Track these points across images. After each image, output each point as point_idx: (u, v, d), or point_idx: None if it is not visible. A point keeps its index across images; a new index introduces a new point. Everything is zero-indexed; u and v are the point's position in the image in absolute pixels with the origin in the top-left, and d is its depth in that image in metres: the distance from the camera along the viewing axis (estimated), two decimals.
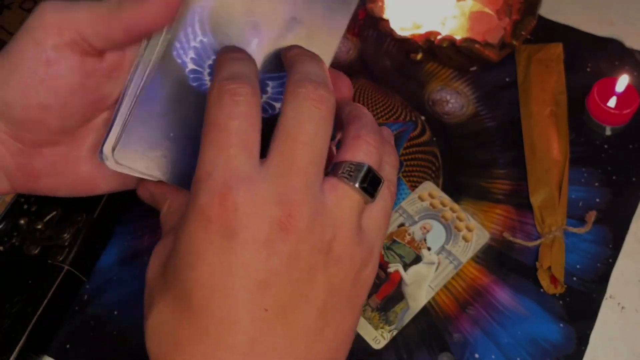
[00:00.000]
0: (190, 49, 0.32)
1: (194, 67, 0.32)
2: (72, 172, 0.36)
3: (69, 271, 0.47)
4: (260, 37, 0.33)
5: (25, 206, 0.48)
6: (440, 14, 0.59)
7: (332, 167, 0.30)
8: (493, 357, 0.46)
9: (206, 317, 0.27)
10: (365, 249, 0.30)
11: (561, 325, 0.47)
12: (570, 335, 0.47)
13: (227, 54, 0.31)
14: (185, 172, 0.32)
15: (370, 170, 0.30)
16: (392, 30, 0.57)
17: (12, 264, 0.46)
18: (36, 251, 0.47)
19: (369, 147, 0.31)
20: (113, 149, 0.32)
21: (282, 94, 0.31)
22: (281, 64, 0.33)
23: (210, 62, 0.32)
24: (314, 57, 0.32)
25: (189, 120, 0.32)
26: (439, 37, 0.56)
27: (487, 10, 0.59)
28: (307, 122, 0.28)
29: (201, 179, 0.28)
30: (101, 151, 0.32)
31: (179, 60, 0.32)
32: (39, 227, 0.47)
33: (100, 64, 0.32)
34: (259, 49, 0.33)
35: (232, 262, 0.27)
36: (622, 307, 0.48)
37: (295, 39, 0.33)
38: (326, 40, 0.34)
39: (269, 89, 0.34)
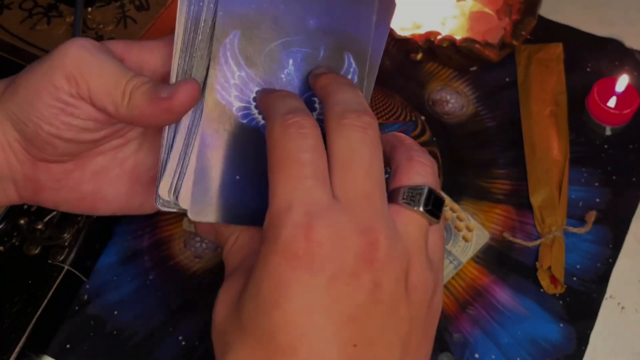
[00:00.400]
0: (231, 87, 0.32)
1: (241, 104, 0.32)
2: (74, 190, 0.36)
3: (69, 271, 0.47)
4: (294, 56, 0.32)
5: (25, 206, 0.48)
6: (440, 14, 0.59)
7: (390, 194, 0.29)
8: (493, 357, 0.46)
9: (296, 357, 0.26)
10: (434, 274, 0.29)
11: (561, 325, 0.47)
12: (570, 335, 0.47)
13: (273, 93, 0.31)
14: (247, 211, 0.32)
15: (431, 191, 0.29)
16: (392, 30, 0.57)
17: (12, 264, 0.46)
18: (36, 251, 0.47)
19: (424, 168, 0.30)
20: (176, 196, 0.32)
21: None
22: None
23: (253, 95, 0.32)
24: (345, 84, 0.31)
25: (248, 158, 0.32)
26: (439, 37, 0.56)
27: (487, 10, 0.59)
28: (361, 149, 0.28)
29: (280, 213, 0.27)
30: (158, 197, 0.32)
31: (224, 102, 0.32)
32: (39, 227, 0.47)
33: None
34: (297, 68, 0.33)
35: (322, 298, 0.26)
36: (622, 307, 0.48)
37: (327, 50, 0.33)
38: (359, 49, 0.33)
39: (316, 106, 0.33)
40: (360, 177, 0.28)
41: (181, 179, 0.31)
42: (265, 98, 0.31)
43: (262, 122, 0.32)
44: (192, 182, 0.31)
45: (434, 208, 0.29)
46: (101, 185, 0.37)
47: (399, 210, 0.29)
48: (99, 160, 0.36)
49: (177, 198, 0.31)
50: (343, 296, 0.26)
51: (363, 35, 0.33)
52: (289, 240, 0.26)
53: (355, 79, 0.34)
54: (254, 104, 0.32)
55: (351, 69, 0.34)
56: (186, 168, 0.31)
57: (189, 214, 0.31)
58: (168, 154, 0.32)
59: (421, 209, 0.29)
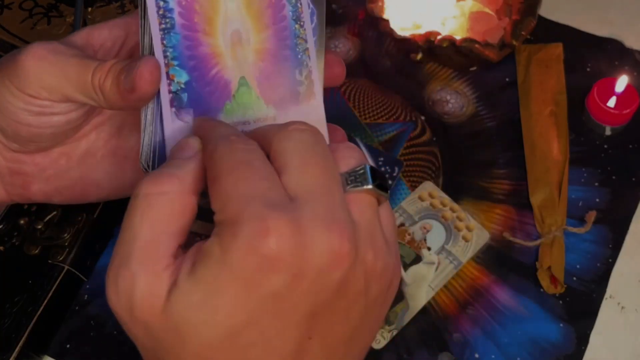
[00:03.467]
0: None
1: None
2: (62, 178, 0.36)
3: (69, 271, 0.47)
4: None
5: (25, 206, 0.48)
6: (440, 14, 0.59)
7: None
8: (493, 357, 0.46)
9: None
10: (393, 258, 0.29)
11: (561, 325, 0.47)
12: (570, 335, 0.47)
13: (212, 120, 0.31)
14: None
15: (371, 167, 0.28)
16: (392, 30, 0.57)
17: (12, 264, 0.46)
18: (36, 251, 0.47)
19: (352, 152, 0.29)
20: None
21: None
22: None
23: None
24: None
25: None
26: (439, 37, 0.56)
27: (487, 10, 0.59)
28: (314, 146, 0.28)
29: (239, 212, 0.25)
30: (142, 167, 0.32)
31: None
32: (39, 227, 0.47)
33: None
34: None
35: (287, 296, 0.25)
36: (622, 307, 0.48)
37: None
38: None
39: None
40: (319, 172, 0.27)
41: (153, 148, 0.32)
42: (205, 125, 0.31)
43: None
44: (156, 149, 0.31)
45: (381, 182, 0.28)
46: (89, 168, 0.37)
47: (349, 197, 0.28)
48: (82, 143, 0.36)
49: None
50: (309, 294, 0.25)
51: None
52: (252, 237, 0.24)
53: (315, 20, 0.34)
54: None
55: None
56: (158, 137, 0.32)
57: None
58: (144, 128, 0.32)
59: (370, 186, 0.28)
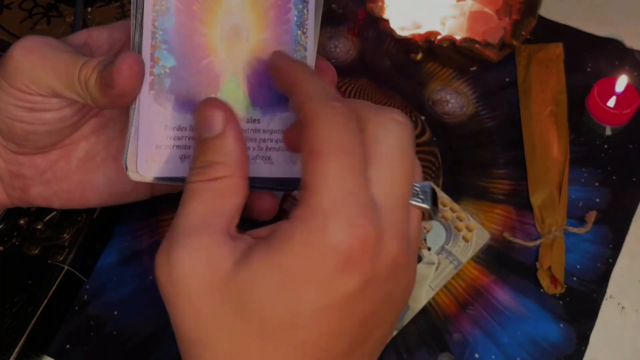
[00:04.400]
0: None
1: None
2: (62, 181, 0.36)
3: (68, 271, 0.47)
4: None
5: None
6: (440, 14, 0.59)
7: None
8: (493, 357, 0.46)
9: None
10: (414, 261, 0.30)
11: (561, 325, 0.47)
12: (570, 335, 0.47)
13: (300, 67, 0.30)
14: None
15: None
16: (392, 30, 0.57)
17: (12, 264, 0.46)
18: (36, 251, 0.47)
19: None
20: (136, 165, 0.31)
21: None
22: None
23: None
24: (308, 71, 0.29)
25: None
26: (439, 37, 0.56)
27: (487, 10, 0.59)
28: (409, 150, 0.27)
29: (334, 204, 0.25)
30: (125, 166, 0.31)
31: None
32: (39, 227, 0.47)
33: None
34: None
35: (350, 302, 0.26)
36: (623, 308, 0.48)
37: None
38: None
39: None
40: (404, 182, 0.27)
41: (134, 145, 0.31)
42: (293, 73, 0.29)
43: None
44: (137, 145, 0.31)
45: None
46: (89, 172, 0.36)
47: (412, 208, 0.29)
48: (82, 145, 0.36)
49: (136, 167, 0.31)
50: (370, 301, 0.26)
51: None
52: (341, 238, 0.25)
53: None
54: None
55: None
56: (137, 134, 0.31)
57: (129, 174, 0.31)
58: (130, 125, 0.31)
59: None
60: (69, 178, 0.36)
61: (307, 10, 0.33)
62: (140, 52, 0.31)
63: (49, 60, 0.31)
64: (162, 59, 0.31)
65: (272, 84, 0.31)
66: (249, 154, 0.31)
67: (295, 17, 0.32)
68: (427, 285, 0.48)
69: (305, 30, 0.33)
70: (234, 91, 0.32)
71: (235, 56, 0.32)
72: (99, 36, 0.34)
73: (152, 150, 0.31)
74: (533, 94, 0.56)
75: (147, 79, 0.31)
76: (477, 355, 0.46)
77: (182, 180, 0.30)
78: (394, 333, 0.47)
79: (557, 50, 0.58)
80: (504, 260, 0.50)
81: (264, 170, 0.33)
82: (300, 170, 0.26)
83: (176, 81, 0.31)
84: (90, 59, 0.31)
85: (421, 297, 0.48)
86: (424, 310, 0.48)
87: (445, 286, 0.49)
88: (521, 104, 0.56)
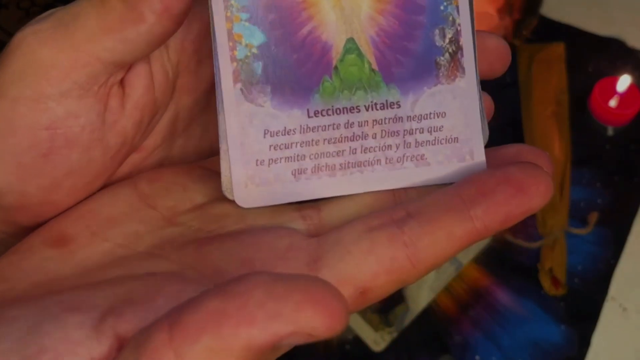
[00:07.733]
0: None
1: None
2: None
3: None
4: None
5: None
6: None
7: None
8: (494, 359, 0.46)
9: None
10: None
11: (562, 327, 0.47)
12: (571, 337, 0.47)
13: None
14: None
15: None
16: None
17: None
18: None
19: None
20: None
21: None
22: None
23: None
24: None
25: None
26: None
27: (488, 9, 0.59)
28: None
29: None
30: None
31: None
32: None
33: (125, 99, 0.21)
34: None
35: None
36: (624, 309, 0.48)
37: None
38: None
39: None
40: None
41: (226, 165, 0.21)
42: None
43: None
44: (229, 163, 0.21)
45: None
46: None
47: None
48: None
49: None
50: None
51: None
52: None
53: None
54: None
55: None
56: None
57: (236, 200, 0.21)
58: (220, 139, 0.22)
59: None
60: None
61: None
62: (212, 32, 0.21)
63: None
64: (244, 35, 0.21)
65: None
66: (390, 155, 0.23)
67: None
68: (428, 287, 0.48)
69: None
70: (356, 65, 0.22)
71: (349, 12, 0.22)
72: None
73: (251, 169, 0.22)
74: (534, 93, 0.56)
75: (229, 67, 0.21)
76: (477, 358, 0.46)
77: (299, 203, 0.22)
78: (395, 335, 0.47)
79: (558, 49, 0.58)
80: (505, 262, 0.49)
81: (416, 175, 0.23)
82: (472, 168, 0.19)
83: (270, 64, 0.21)
84: None
85: (422, 299, 0.48)
86: (425, 312, 0.47)
87: (446, 288, 0.48)
88: (522, 104, 0.56)
